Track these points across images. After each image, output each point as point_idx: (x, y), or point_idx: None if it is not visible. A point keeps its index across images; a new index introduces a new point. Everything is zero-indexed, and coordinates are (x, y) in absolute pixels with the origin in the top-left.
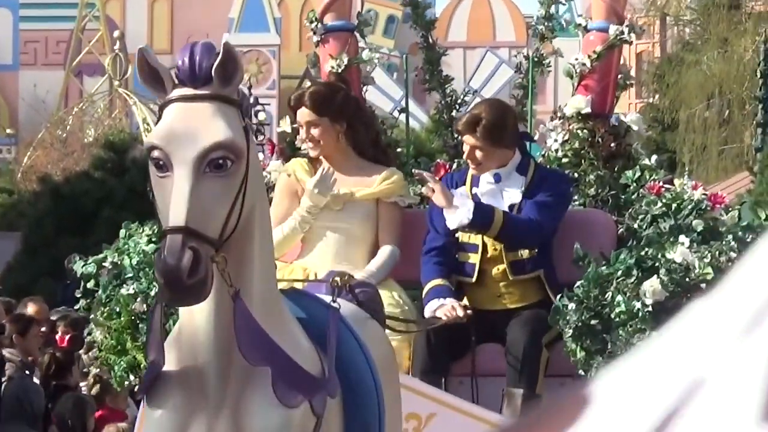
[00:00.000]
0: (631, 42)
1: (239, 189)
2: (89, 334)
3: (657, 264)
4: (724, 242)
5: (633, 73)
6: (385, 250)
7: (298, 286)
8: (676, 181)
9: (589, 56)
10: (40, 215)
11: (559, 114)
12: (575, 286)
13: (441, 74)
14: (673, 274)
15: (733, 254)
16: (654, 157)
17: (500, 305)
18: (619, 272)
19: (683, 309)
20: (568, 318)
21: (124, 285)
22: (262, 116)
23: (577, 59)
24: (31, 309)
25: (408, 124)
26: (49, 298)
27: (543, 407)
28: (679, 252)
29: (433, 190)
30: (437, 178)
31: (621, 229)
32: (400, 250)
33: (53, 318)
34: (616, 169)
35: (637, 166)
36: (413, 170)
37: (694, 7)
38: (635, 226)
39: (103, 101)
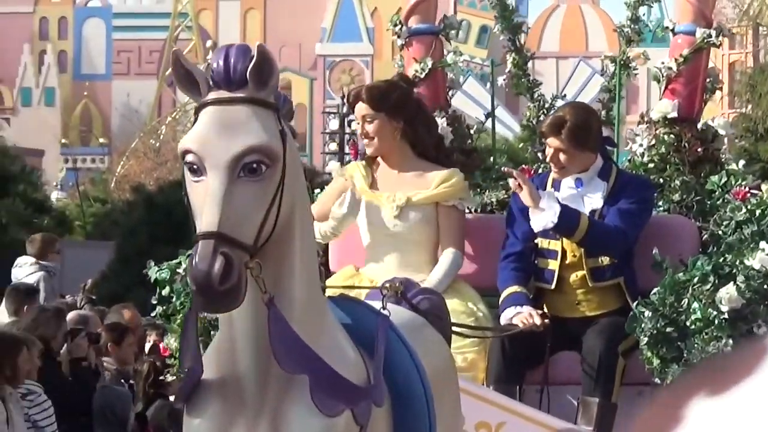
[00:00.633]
0: (719, 45)
1: (275, 194)
2: (165, 341)
3: (734, 271)
4: None
5: (726, 83)
6: (446, 256)
7: (359, 293)
8: (763, 187)
9: (675, 60)
10: (134, 224)
11: (645, 118)
12: (651, 293)
13: (529, 78)
14: (751, 281)
15: None
16: (741, 162)
17: (578, 313)
18: (696, 279)
19: (761, 316)
20: (643, 325)
21: None
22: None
23: (663, 63)
24: (125, 316)
25: (494, 128)
26: (142, 307)
27: (722, 359)
28: (758, 258)
29: (521, 188)
30: (526, 176)
31: (705, 236)
32: (462, 253)
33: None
34: (702, 174)
35: (723, 171)
36: (502, 168)
37: None
38: (719, 232)
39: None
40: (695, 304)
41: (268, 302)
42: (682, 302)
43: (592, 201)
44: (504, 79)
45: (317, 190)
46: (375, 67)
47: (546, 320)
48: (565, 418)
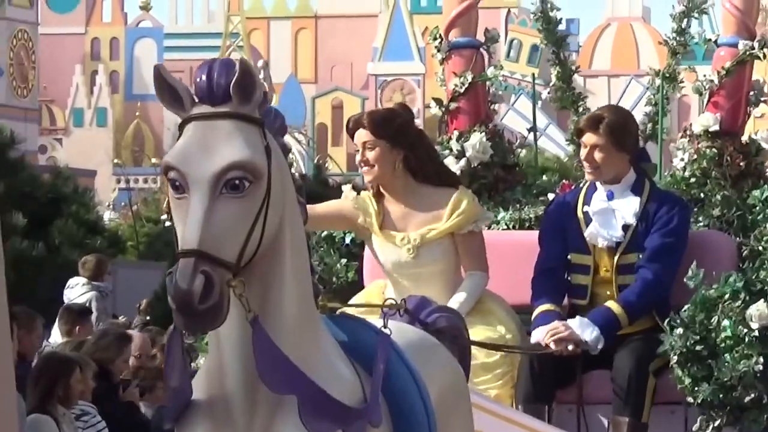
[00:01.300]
0: (763, 57)
1: (259, 211)
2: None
3: (767, 287)
4: None
5: None
6: (470, 278)
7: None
8: None
9: (718, 72)
10: None
11: (688, 132)
12: (682, 310)
13: (574, 92)
14: None
15: None
16: None
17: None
18: (726, 296)
19: None
20: (673, 343)
21: None
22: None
23: (705, 76)
24: None
25: (536, 143)
26: None
27: None
28: None
29: (558, 341)
30: (554, 331)
31: (745, 251)
32: (486, 273)
33: None
34: (744, 189)
35: (766, 186)
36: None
37: None
38: (759, 248)
39: None
40: (725, 322)
41: (252, 321)
42: (713, 320)
43: (624, 215)
44: (548, 93)
45: None
46: (426, 86)
47: (578, 349)
48: None
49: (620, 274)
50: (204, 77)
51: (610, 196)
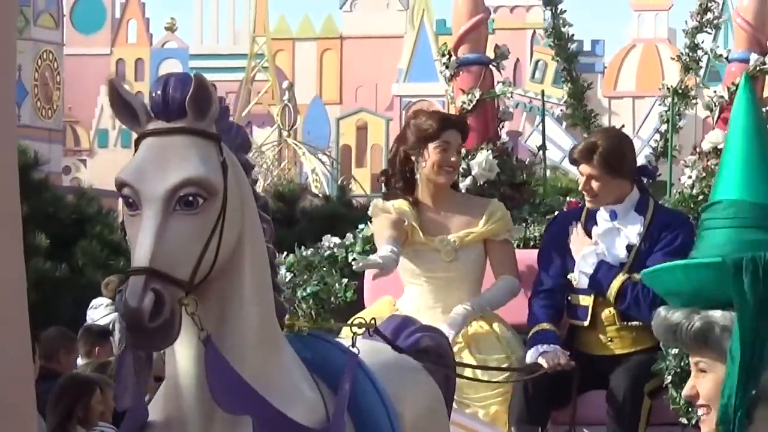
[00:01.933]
0: None
1: (214, 227)
2: None
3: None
4: None
5: None
6: (503, 280)
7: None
8: None
9: (728, 88)
10: None
11: (697, 150)
12: None
13: (585, 109)
14: None
15: None
16: None
17: (609, 350)
18: None
19: None
20: (668, 363)
21: None
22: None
23: (715, 92)
24: None
25: (545, 161)
26: None
27: None
28: None
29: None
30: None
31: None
32: (519, 282)
33: None
34: None
35: None
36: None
37: None
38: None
39: (272, 152)
40: None
41: (204, 340)
42: None
43: (629, 234)
44: (560, 111)
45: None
46: (451, 107)
47: (572, 362)
48: None
49: (621, 294)
50: (159, 92)
51: (614, 216)
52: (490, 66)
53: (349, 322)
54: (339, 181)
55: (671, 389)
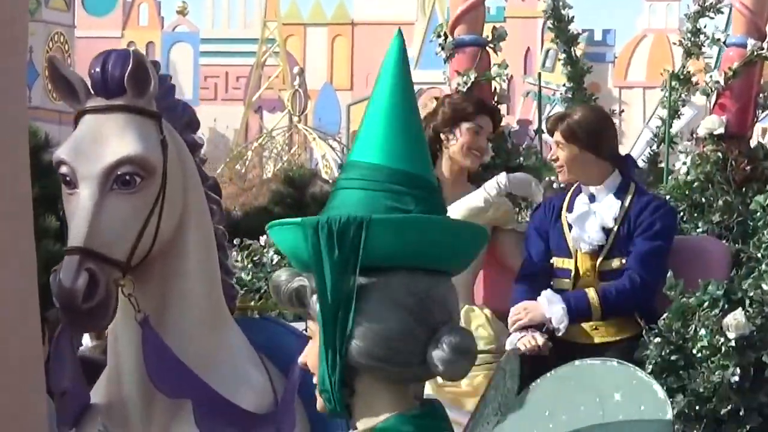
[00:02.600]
0: None
1: (153, 207)
2: None
3: (748, 295)
4: None
5: None
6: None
7: None
8: None
9: (725, 73)
10: None
11: (694, 136)
12: (660, 318)
13: (585, 93)
14: (765, 306)
15: None
16: None
17: (595, 339)
18: (705, 304)
19: None
20: (648, 353)
21: None
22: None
23: (711, 77)
24: None
25: (541, 147)
26: None
27: None
28: None
29: (523, 324)
30: (518, 319)
31: (744, 258)
32: None
33: None
34: (750, 194)
35: None
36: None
37: None
38: (759, 255)
39: (283, 137)
40: (702, 331)
41: (141, 321)
42: (689, 328)
43: (603, 218)
44: (560, 94)
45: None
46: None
47: (549, 343)
48: None
49: (602, 279)
50: (98, 69)
51: (592, 199)
52: (487, 48)
53: None
54: None
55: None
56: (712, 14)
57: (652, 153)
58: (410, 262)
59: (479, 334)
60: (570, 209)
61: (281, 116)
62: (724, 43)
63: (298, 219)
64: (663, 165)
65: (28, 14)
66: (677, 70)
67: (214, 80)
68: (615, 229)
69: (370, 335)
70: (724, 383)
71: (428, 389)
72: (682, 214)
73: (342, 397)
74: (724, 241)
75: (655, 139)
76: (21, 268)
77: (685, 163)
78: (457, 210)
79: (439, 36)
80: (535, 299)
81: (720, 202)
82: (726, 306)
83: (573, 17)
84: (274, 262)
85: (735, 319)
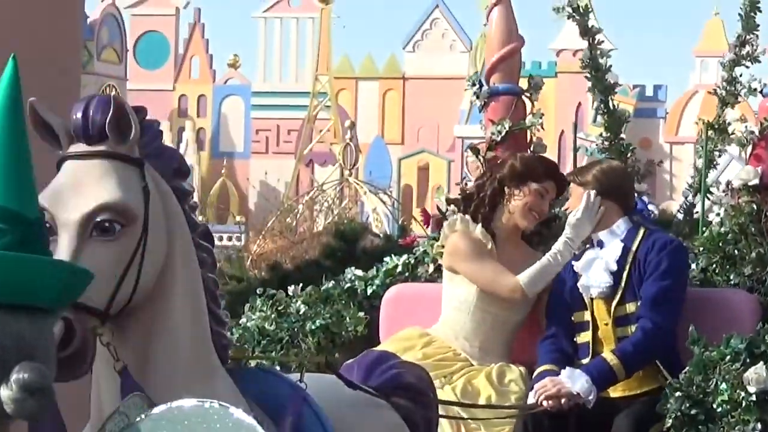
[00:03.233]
0: None
1: (133, 255)
2: None
3: None
4: None
5: None
6: None
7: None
8: None
9: (761, 123)
10: None
11: (730, 187)
12: (683, 370)
13: (622, 143)
14: None
15: None
16: None
17: (617, 392)
18: (727, 357)
19: None
20: (669, 406)
21: None
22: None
23: (746, 127)
24: None
25: None
26: None
27: None
28: None
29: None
30: (543, 390)
31: None
32: None
33: None
34: None
35: None
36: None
37: None
38: None
39: (334, 190)
40: (723, 385)
41: (120, 371)
42: (710, 382)
43: (608, 261)
44: (596, 145)
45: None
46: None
47: (571, 402)
48: None
49: (619, 326)
50: (80, 115)
51: (600, 245)
52: (523, 97)
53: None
54: (400, 222)
55: None
56: (748, 63)
57: (687, 204)
58: None
59: (510, 388)
60: (578, 259)
61: (332, 170)
62: (761, 92)
63: None
64: (698, 216)
65: (81, 66)
66: (713, 120)
67: (265, 133)
68: (626, 273)
69: None
70: None
71: None
72: (714, 266)
73: None
74: (755, 294)
75: (690, 190)
76: None
77: (718, 215)
78: (542, 275)
79: (473, 84)
80: (559, 358)
81: (753, 255)
82: (748, 360)
83: (611, 66)
84: (300, 312)
85: (756, 373)
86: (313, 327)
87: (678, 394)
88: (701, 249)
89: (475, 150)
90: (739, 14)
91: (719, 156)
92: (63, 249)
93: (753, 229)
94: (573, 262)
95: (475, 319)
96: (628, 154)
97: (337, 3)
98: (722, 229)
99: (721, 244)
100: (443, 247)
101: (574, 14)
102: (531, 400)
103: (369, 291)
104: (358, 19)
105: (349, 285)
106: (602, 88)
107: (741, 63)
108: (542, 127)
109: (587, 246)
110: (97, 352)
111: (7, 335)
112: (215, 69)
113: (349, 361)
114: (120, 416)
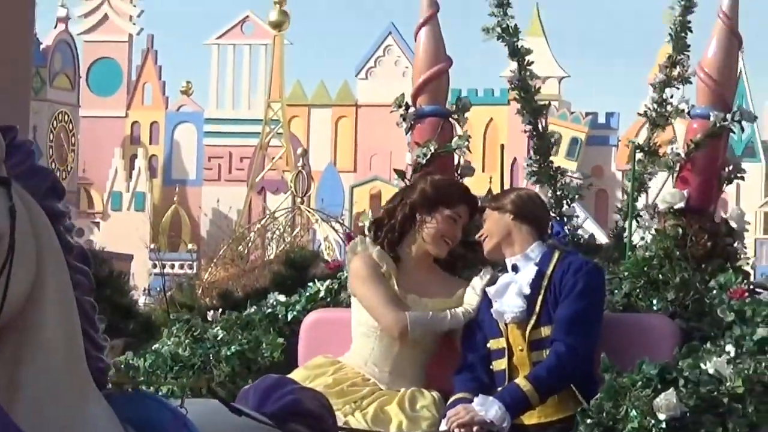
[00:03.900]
0: (734, 131)
1: None
2: None
3: (683, 375)
4: None
5: None
6: None
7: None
8: None
9: (687, 145)
10: None
11: (656, 210)
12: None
13: (552, 167)
14: (701, 386)
15: None
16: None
17: (534, 418)
18: (639, 384)
19: (705, 427)
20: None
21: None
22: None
23: (672, 149)
24: None
25: None
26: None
27: None
28: (713, 363)
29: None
30: (455, 417)
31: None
32: None
33: None
34: (710, 270)
35: (730, 270)
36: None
37: None
38: (712, 334)
39: (285, 218)
40: (633, 412)
41: None
42: (621, 409)
43: (521, 285)
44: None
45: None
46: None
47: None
48: None
49: (534, 350)
50: None
51: (515, 269)
52: (450, 119)
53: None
54: None
55: None
56: (678, 85)
57: (617, 228)
58: None
59: (422, 414)
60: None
61: (284, 197)
62: (689, 113)
63: None
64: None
65: (32, 92)
66: (642, 142)
67: (218, 161)
68: (541, 296)
69: None
70: None
71: None
72: (638, 291)
73: None
74: (675, 320)
75: (620, 213)
76: None
77: (643, 238)
78: (431, 324)
79: (399, 106)
80: (474, 387)
81: (677, 279)
82: (659, 386)
83: (539, 88)
84: (218, 338)
85: (666, 399)
86: (228, 353)
87: (588, 421)
88: (626, 274)
89: (401, 173)
90: (669, 35)
91: (650, 180)
92: None
93: (678, 253)
94: (487, 288)
95: (383, 344)
96: (557, 178)
97: (290, 30)
98: (647, 254)
99: (645, 269)
100: None
101: (503, 34)
102: (443, 427)
103: (290, 316)
104: (310, 46)
105: (270, 310)
106: (530, 110)
107: (671, 84)
108: (468, 150)
109: (500, 271)
110: None
111: None
112: (168, 96)
113: (245, 387)
114: None
